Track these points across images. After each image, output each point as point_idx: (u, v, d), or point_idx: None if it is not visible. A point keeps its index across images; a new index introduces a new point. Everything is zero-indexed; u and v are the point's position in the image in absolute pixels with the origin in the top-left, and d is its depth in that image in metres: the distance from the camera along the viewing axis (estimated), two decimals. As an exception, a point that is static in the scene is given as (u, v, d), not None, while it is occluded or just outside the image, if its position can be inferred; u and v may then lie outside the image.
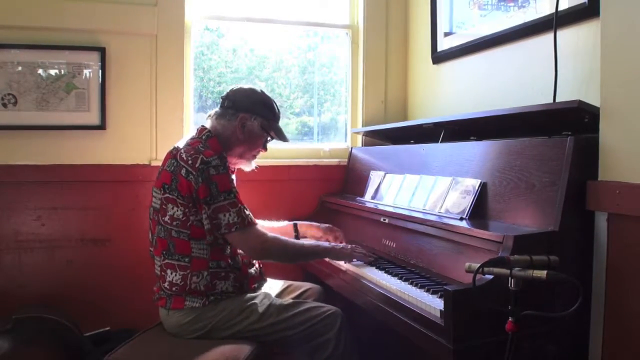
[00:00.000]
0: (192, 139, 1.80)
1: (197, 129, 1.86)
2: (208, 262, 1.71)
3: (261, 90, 1.93)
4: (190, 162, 1.67)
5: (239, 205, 1.69)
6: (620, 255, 1.37)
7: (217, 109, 1.89)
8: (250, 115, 1.85)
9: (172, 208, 1.69)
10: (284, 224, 2.21)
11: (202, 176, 1.65)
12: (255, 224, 1.72)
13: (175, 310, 1.70)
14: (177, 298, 1.70)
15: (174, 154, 1.74)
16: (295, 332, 1.72)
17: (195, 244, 1.70)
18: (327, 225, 2.19)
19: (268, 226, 2.15)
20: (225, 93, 1.91)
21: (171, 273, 1.70)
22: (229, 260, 1.75)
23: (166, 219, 1.70)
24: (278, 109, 1.95)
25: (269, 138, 1.93)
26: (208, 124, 1.86)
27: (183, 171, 1.67)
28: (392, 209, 2.01)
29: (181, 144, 1.79)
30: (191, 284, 1.69)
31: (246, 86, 1.95)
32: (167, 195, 1.69)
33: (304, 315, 1.73)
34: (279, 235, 1.80)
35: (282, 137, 1.95)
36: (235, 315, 1.71)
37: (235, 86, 1.94)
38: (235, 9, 2.69)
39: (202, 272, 1.70)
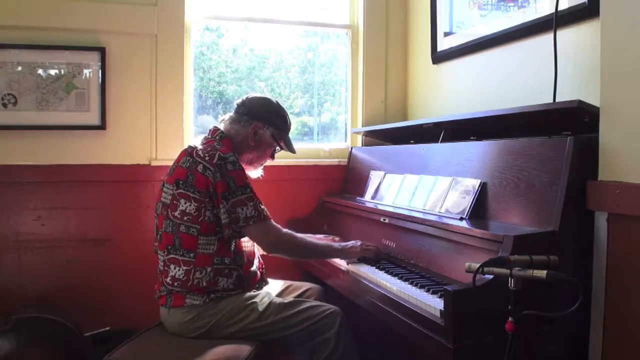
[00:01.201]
0: (206, 138, 1.88)
1: (210, 130, 1.92)
2: (213, 258, 1.72)
3: (276, 101, 1.99)
4: (207, 158, 1.72)
5: (255, 199, 1.74)
6: (620, 255, 1.37)
7: (231, 113, 1.95)
8: (263, 124, 1.91)
9: (185, 203, 1.71)
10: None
11: (220, 171, 1.70)
12: (270, 218, 1.78)
13: (175, 309, 1.71)
14: (178, 295, 1.71)
15: (189, 151, 1.78)
16: (295, 331, 1.72)
17: (203, 239, 1.72)
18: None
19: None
20: (241, 99, 1.97)
21: (174, 268, 1.72)
22: (233, 256, 1.77)
23: (176, 213, 1.72)
24: (290, 121, 2.02)
25: (277, 148, 1.99)
26: (221, 127, 1.91)
27: (200, 167, 1.71)
28: (392, 209, 2.01)
29: (195, 143, 1.85)
30: (194, 280, 1.70)
31: (261, 95, 2.02)
32: (180, 190, 1.72)
33: (304, 314, 1.74)
34: (292, 231, 1.84)
35: (290, 148, 2.01)
36: (235, 314, 1.71)
37: (251, 94, 2.01)
38: (235, 9, 2.69)
39: (206, 267, 1.71)
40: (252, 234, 1.76)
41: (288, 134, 2.01)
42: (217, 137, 1.86)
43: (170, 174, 1.80)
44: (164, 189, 1.79)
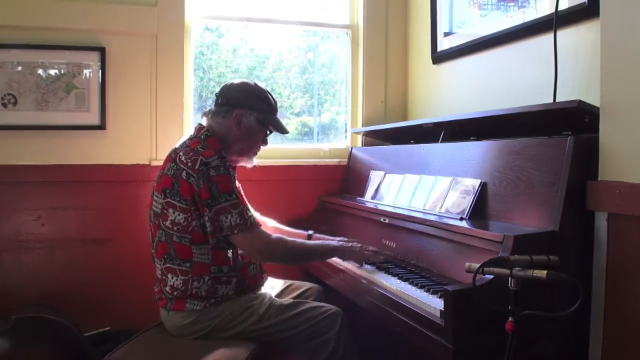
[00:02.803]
0: (191, 138, 1.77)
1: (195, 128, 1.82)
2: (210, 267, 1.69)
3: (254, 83, 1.87)
4: (190, 164, 1.65)
5: (241, 206, 1.66)
6: (620, 255, 1.37)
7: (212, 107, 1.85)
8: (245, 110, 1.79)
9: (173, 213, 1.67)
10: (299, 232, 2.13)
11: (203, 178, 1.62)
12: (258, 225, 1.70)
13: (175, 312, 1.70)
14: (178, 301, 1.70)
15: (172, 157, 1.71)
16: (295, 332, 1.71)
17: (197, 249, 1.68)
18: (342, 239, 2.03)
19: (282, 229, 2.12)
20: (218, 89, 1.86)
21: (172, 277, 1.69)
22: (231, 264, 1.73)
23: (167, 223, 1.68)
24: (274, 100, 1.88)
25: (267, 133, 1.88)
26: (204, 123, 1.82)
27: (184, 174, 1.65)
28: (392, 209, 2.01)
29: (179, 145, 1.77)
30: (192, 289, 1.68)
31: (238, 80, 1.88)
32: (168, 200, 1.67)
33: (305, 315, 1.73)
34: (282, 236, 1.78)
35: (281, 129, 1.89)
36: (235, 317, 1.70)
37: (228, 82, 1.89)
38: (235, 9, 2.69)
39: (204, 277, 1.68)
40: (239, 244, 1.68)
41: (275, 115, 1.87)
42: (202, 137, 1.75)
43: (157, 181, 1.74)
44: (154, 197, 1.74)
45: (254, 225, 1.68)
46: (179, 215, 1.66)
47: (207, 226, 1.65)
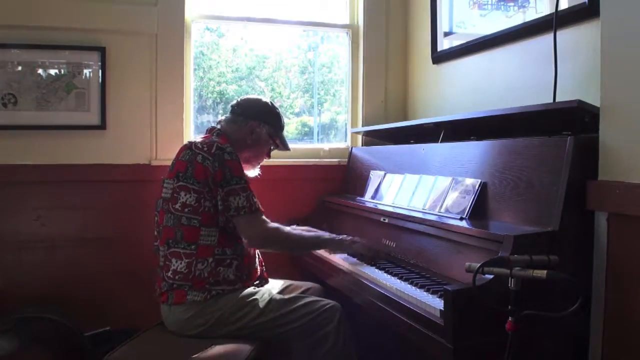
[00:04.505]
0: (204, 135, 1.94)
1: (207, 129, 1.98)
2: (214, 249, 1.75)
3: (271, 102, 2.05)
4: (205, 148, 1.76)
5: (249, 191, 1.76)
6: (620, 255, 1.37)
7: (227, 115, 2.01)
8: (259, 122, 1.96)
9: (185, 195, 1.74)
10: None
11: (218, 160, 1.73)
12: (262, 211, 1.79)
13: (176, 306, 1.71)
14: (179, 291, 1.71)
15: (188, 145, 1.82)
16: (295, 326, 1.74)
17: (205, 230, 1.74)
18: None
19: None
20: (235, 101, 2.03)
21: (176, 261, 1.73)
22: (235, 247, 1.79)
23: (177, 206, 1.74)
24: (283, 120, 2.07)
25: (272, 146, 2.04)
26: (218, 127, 1.97)
27: (199, 157, 1.74)
28: (392, 209, 2.01)
29: (194, 139, 1.90)
30: (195, 271, 1.71)
31: (254, 96, 2.09)
32: (180, 183, 1.75)
33: (304, 309, 1.75)
34: (280, 225, 1.85)
35: (285, 146, 2.07)
36: (236, 311, 1.72)
37: (244, 96, 2.08)
38: (235, 9, 2.69)
39: (207, 258, 1.73)
40: (240, 225, 1.76)
41: (282, 132, 2.06)
42: (215, 134, 1.91)
43: (170, 169, 1.83)
44: (165, 185, 1.82)
45: (258, 210, 1.78)
46: (190, 197, 1.74)
47: (218, 205, 1.74)
